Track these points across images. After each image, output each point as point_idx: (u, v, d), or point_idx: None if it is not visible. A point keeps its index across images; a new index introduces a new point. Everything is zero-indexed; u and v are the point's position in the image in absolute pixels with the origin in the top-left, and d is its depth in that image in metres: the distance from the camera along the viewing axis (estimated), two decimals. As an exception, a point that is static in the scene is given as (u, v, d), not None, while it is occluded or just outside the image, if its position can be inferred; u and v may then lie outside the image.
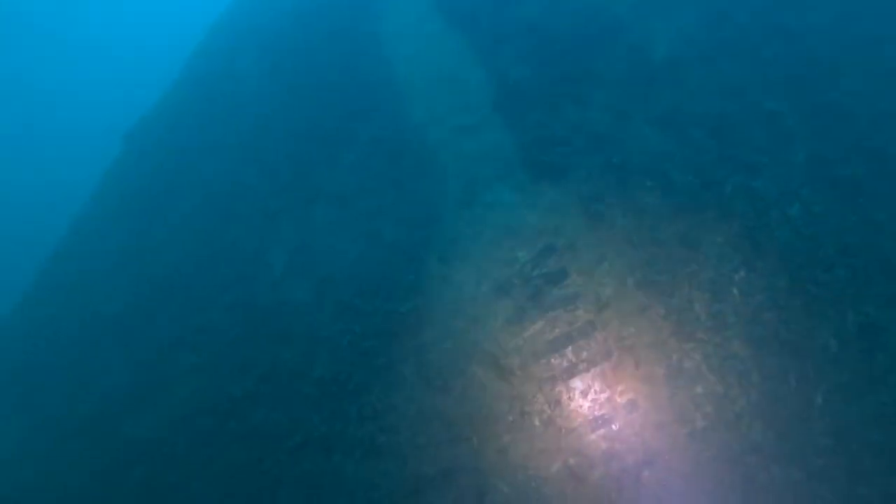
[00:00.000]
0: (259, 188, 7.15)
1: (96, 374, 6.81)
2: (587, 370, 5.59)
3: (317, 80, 7.65)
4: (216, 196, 7.42)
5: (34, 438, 6.81)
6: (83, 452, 6.36)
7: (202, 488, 5.82)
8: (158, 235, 7.56)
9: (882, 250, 5.55)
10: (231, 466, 5.83)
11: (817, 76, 6.06)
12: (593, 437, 5.47)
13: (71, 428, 6.57)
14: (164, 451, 6.03)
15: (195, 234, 7.27)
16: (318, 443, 5.77)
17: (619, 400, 5.50)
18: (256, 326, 6.34)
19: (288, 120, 7.49)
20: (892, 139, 5.82)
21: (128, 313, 7.08)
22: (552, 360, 5.65)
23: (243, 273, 6.68)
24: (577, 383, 5.59)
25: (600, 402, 5.52)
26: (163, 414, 6.22)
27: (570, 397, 5.57)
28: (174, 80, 10.28)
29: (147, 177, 8.41)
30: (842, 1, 6.41)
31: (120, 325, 7.04)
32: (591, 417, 5.51)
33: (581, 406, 5.55)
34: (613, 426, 5.46)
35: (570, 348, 5.64)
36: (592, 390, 5.55)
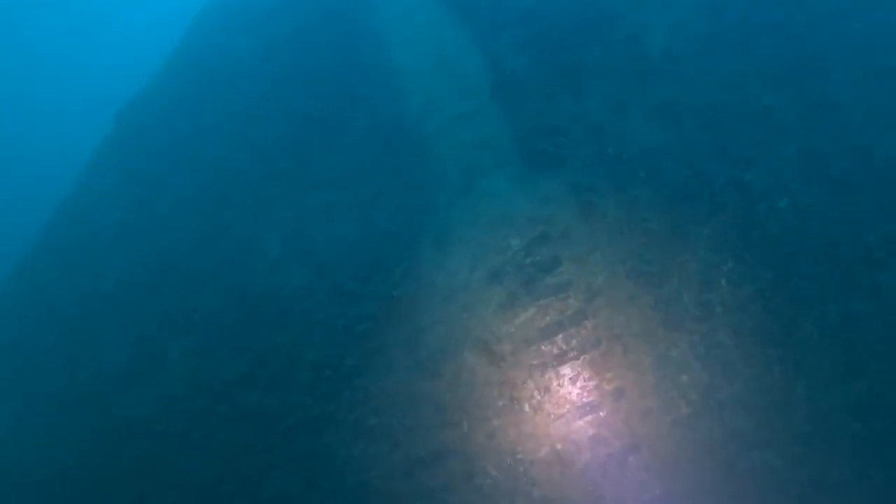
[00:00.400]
0: (254, 173, 7.08)
1: (91, 351, 6.78)
2: (577, 357, 5.66)
3: (313, 64, 7.55)
4: (211, 179, 7.33)
5: (28, 415, 6.80)
6: (78, 429, 6.36)
7: (196, 468, 5.86)
8: (153, 216, 7.48)
9: (865, 244, 5.65)
10: (225, 447, 5.86)
11: (810, 72, 6.10)
12: (581, 423, 5.56)
13: (66, 405, 6.56)
14: (159, 431, 6.05)
15: (190, 217, 7.21)
16: (311, 425, 5.81)
17: (606, 387, 5.58)
18: (251, 310, 6.33)
19: (284, 104, 7.41)
20: (880, 136, 5.89)
21: (122, 292, 7.02)
22: (543, 347, 5.71)
23: (239, 257, 6.64)
24: (567, 370, 5.66)
25: (589, 388, 5.60)
26: (157, 394, 6.22)
27: (559, 384, 5.64)
28: (166, 60, 10.08)
29: (141, 157, 8.29)
30: (834, -2, 6.45)
31: (114, 303, 6.99)
32: (579, 404, 5.59)
33: (570, 392, 5.62)
34: (601, 413, 5.55)
35: (560, 336, 5.70)
36: (581, 377, 5.63)
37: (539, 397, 5.63)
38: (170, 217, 7.33)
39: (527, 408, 5.63)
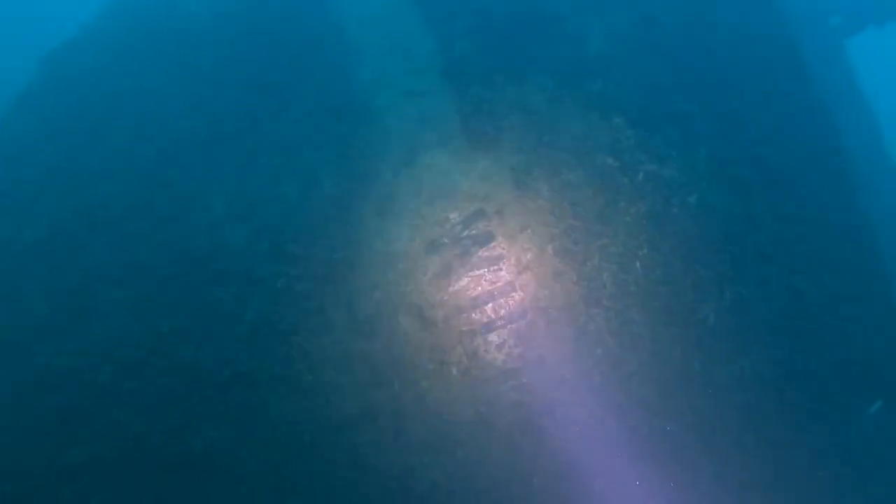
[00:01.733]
0: (200, 132, 6.79)
1: (10, 300, 6.32)
2: (504, 327, 5.88)
3: (267, 32, 7.32)
4: (154, 135, 6.95)
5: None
6: (-6, 378, 5.94)
7: (125, 418, 5.62)
8: (87, 167, 6.96)
9: (757, 241, 6.20)
10: (156, 398, 5.65)
11: (723, 86, 6.63)
12: (504, 387, 5.78)
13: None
14: (86, 381, 5.74)
15: (128, 171, 6.80)
16: (246, 379, 5.72)
17: (529, 355, 5.84)
18: (190, 265, 6.08)
19: (234, 68, 7.12)
20: (776, 148, 6.49)
21: (50, 242, 6.52)
22: (473, 315, 5.88)
23: (180, 213, 6.37)
24: (494, 338, 5.86)
25: (513, 356, 5.83)
26: (84, 344, 5.87)
27: (486, 350, 5.84)
28: (103, 7, 9.42)
29: (74, 106, 7.65)
30: (746, 25, 7.02)
31: (41, 252, 6.48)
32: (503, 370, 5.81)
33: (495, 359, 5.83)
34: (522, 379, 5.80)
35: (490, 305, 5.90)
36: (507, 345, 5.85)
37: (467, 362, 5.80)
38: (106, 168, 6.89)
39: (455, 372, 5.79)
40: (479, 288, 5.92)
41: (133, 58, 7.79)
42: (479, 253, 5.98)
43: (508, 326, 5.87)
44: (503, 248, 5.99)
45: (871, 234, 6.48)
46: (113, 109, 7.37)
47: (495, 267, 5.95)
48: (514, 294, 5.91)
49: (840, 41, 10.26)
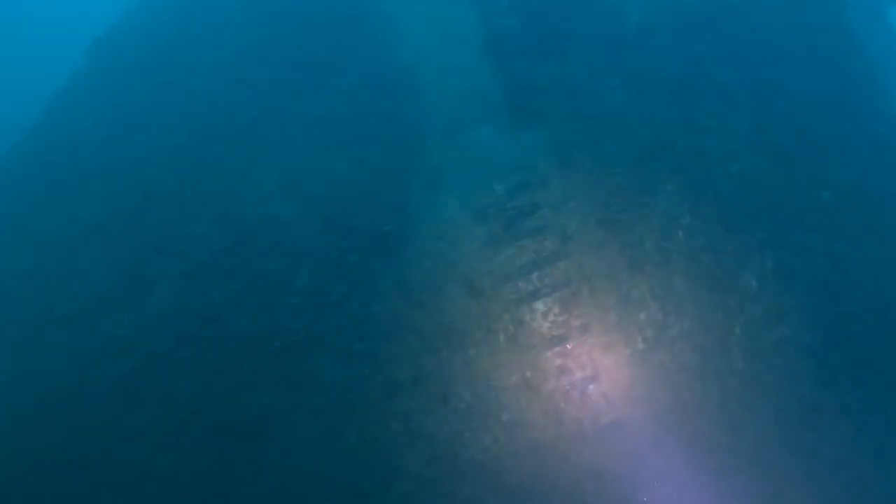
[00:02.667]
0: (246, 108, 6.86)
1: (75, 274, 6.43)
2: (549, 294, 5.90)
3: (308, 10, 7.41)
4: (201, 113, 7.01)
5: (3, 332, 6.41)
6: (60, 348, 6.07)
7: (183, 385, 5.74)
8: (138, 147, 7.08)
9: (799, 207, 6.19)
10: (213, 366, 5.76)
11: (763, 55, 6.58)
12: (549, 354, 5.81)
13: (47, 324, 6.21)
14: (146, 350, 5.86)
15: (178, 148, 6.89)
16: (298, 348, 5.79)
17: (573, 322, 5.86)
18: (243, 238, 6.16)
19: (277, 45, 7.18)
20: (814, 116, 6.45)
21: (107, 219, 6.61)
22: (519, 283, 5.90)
23: (230, 188, 6.44)
24: (539, 306, 5.89)
25: (558, 323, 5.86)
26: (145, 315, 6.00)
27: (532, 318, 5.86)
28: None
29: (122, 88, 7.77)
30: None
31: (99, 229, 6.59)
32: (548, 337, 5.84)
33: (541, 326, 5.85)
34: (567, 345, 5.82)
35: (535, 274, 5.91)
36: (552, 313, 5.87)
37: (513, 329, 5.84)
38: (156, 148, 6.98)
39: (501, 338, 5.82)
40: (525, 257, 5.94)
41: (179, 39, 7.85)
42: (525, 223, 5.99)
43: (553, 294, 5.89)
44: (548, 218, 6.00)
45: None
46: (162, 90, 7.45)
47: (540, 236, 5.97)
48: (558, 263, 5.93)
49: (885, 8, 10.02)
